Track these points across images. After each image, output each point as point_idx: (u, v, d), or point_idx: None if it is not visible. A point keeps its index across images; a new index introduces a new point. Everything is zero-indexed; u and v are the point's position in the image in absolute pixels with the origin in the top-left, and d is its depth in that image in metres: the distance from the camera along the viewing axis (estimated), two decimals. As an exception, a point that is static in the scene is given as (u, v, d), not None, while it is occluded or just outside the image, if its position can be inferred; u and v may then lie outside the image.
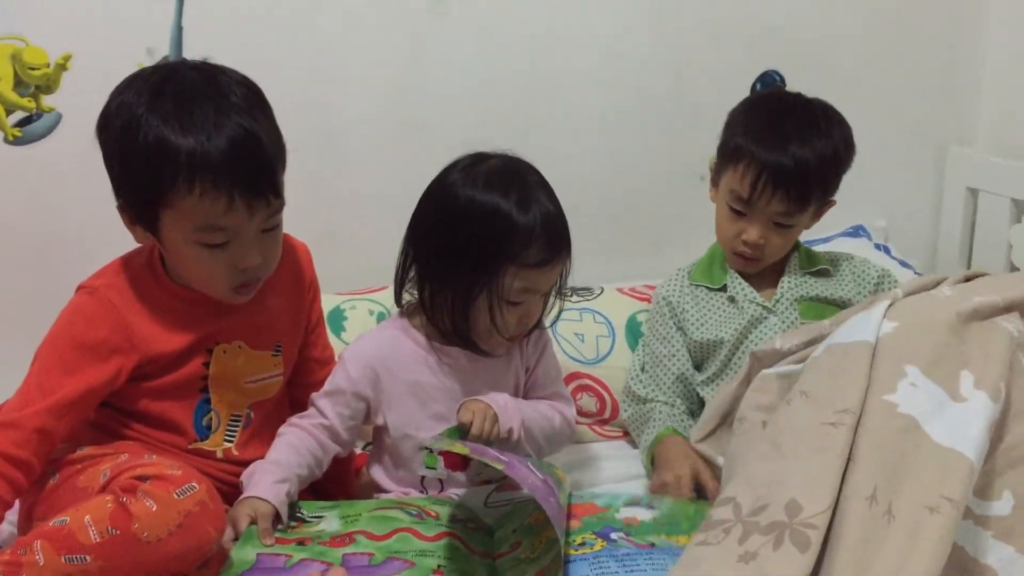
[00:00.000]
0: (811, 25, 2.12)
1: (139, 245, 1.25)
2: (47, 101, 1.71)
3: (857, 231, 2.19)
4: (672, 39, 2.04)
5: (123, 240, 1.23)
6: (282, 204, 1.21)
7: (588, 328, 1.78)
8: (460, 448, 1.20)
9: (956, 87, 2.27)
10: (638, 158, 2.08)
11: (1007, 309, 1.17)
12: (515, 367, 1.38)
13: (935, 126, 2.28)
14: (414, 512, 1.23)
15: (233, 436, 1.30)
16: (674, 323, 1.64)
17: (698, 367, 1.62)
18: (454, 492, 1.34)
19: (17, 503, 1.17)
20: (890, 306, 1.19)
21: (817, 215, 1.61)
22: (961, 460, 0.98)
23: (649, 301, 1.77)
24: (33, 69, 1.68)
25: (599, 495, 1.30)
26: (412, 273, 1.33)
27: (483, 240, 1.25)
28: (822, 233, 2.09)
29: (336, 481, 1.40)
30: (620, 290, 1.89)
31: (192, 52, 1.72)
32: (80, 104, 1.63)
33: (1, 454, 1.10)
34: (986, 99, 2.28)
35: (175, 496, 1.03)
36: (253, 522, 1.17)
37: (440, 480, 1.34)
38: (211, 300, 1.25)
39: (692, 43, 2.05)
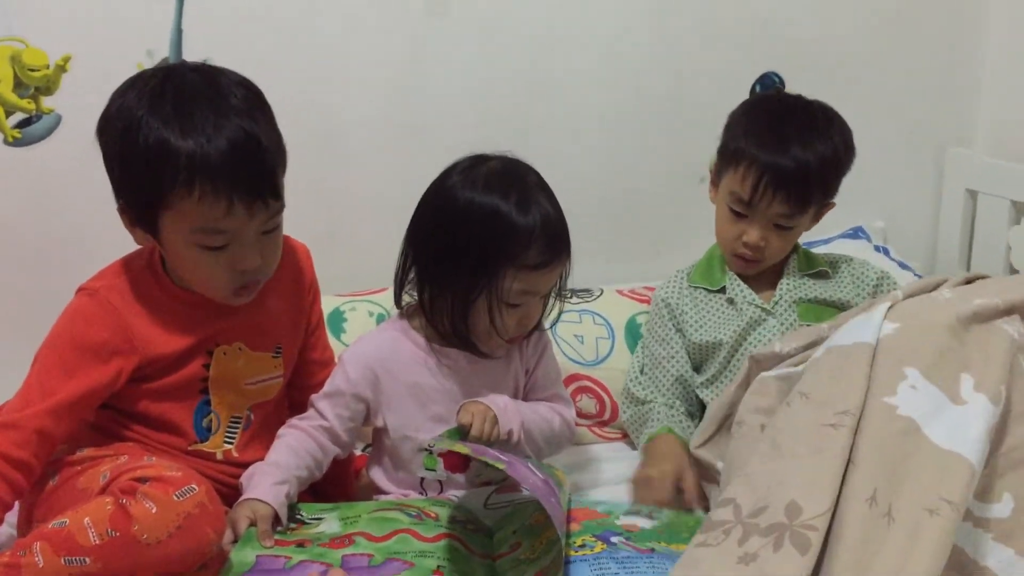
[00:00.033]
0: (811, 25, 2.12)
1: (139, 247, 1.25)
2: (47, 102, 1.71)
3: (856, 233, 2.18)
4: (672, 39, 2.04)
5: (123, 242, 1.23)
6: (282, 206, 1.21)
7: (588, 330, 1.78)
8: (461, 448, 1.20)
9: (956, 88, 2.27)
10: (638, 159, 2.08)
11: (1007, 312, 1.17)
12: (515, 369, 1.38)
13: (934, 127, 2.28)
14: (414, 513, 1.23)
15: (233, 438, 1.30)
16: (673, 325, 1.64)
17: (697, 369, 1.62)
18: (453, 494, 1.34)
19: (17, 505, 1.17)
20: (890, 308, 1.19)
21: (817, 217, 1.62)
22: (961, 462, 0.98)
23: (649, 303, 1.77)
24: (33, 70, 1.67)
25: (599, 502, 1.30)
26: (412, 275, 1.33)
27: (483, 242, 1.25)
28: (821, 235, 2.09)
29: (336, 483, 1.40)
30: (620, 292, 1.89)
31: (192, 54, 1.72)
32: (80, 105, 1.64)
33: (1, 455, 1.11)
34: (986, 100, 2.27)
35: (175, 498, 1.03)
36: (252, 524, 1.17)
37: (439, 482, 1.34)
38: (211, 302, 1.25)
39: (692, 43, 2.05)
